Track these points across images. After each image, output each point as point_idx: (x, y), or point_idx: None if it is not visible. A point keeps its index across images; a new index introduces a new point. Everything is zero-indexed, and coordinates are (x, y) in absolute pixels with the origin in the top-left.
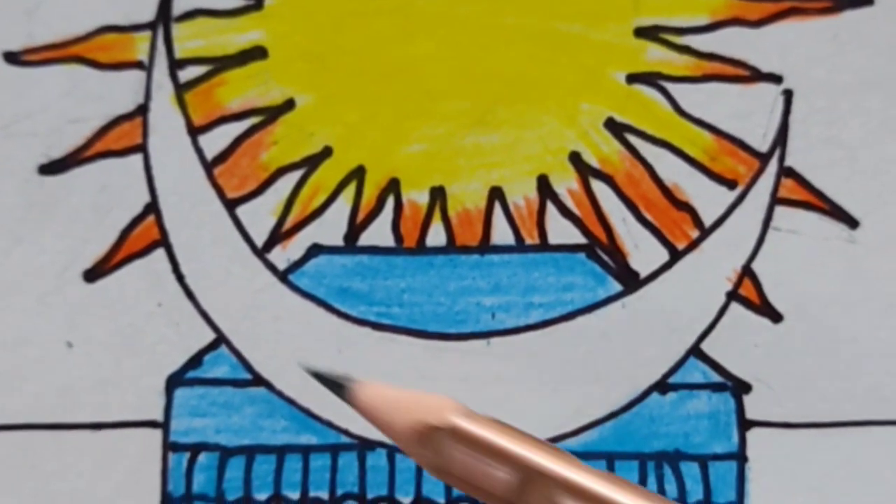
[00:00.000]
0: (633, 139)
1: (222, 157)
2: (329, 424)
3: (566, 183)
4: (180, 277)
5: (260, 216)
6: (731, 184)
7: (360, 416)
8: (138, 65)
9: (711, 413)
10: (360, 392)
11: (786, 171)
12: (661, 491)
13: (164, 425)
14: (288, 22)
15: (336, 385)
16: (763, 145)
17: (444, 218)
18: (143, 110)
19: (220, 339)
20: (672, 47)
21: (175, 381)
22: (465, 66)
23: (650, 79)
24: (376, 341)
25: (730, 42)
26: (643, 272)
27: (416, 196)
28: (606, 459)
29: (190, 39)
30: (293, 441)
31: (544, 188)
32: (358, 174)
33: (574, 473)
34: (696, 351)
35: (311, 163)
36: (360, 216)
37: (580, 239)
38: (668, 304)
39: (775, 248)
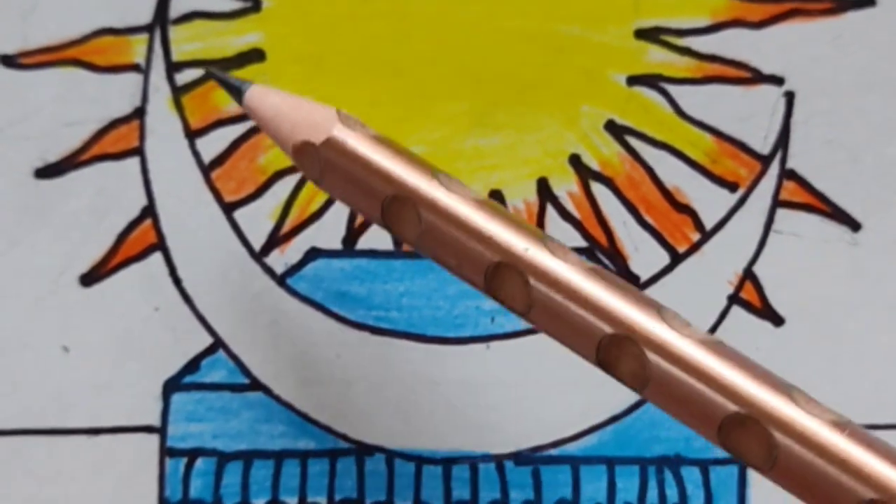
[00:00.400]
0: (633, 141)
1: (220, 160)
2: (327, 429)
3: (566, 185)
4: (177, 281)
5: (258, 220)
6: (732, 186)
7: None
8: (135, 67)
9: None
10: (253, 98)
11: (787, 174)
12: (662, 496)
13: (161, 430)
14: (286, 24)
15: (233, 88)
16: (764, 147)
17: None
18: (140, 113)
19: (218, 344)
20: (673, 49)
21: (172, 386)
22: (464, 68)
23: (651, 81)
24: (375, 345)
25: (731, 43)
26: (644, 275)
27: None
28: (607, 464)
29: (187, 42)
30: (291, 446)
31: (544, 191)
32: None
33: (438, 193)
34: None
35: None
36: (359, 219)
37: (580, 242)
38: (668, 307)
39: (777, 251)
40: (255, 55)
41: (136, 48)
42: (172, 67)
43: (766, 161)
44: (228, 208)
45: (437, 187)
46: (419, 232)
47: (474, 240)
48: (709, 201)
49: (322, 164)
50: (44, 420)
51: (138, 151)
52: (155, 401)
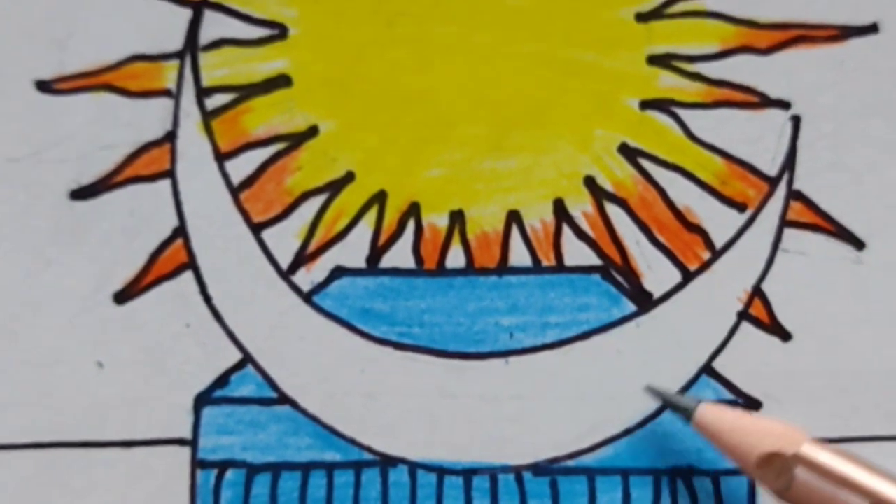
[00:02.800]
0: (646, 164)
1: (248, 182)
2: (352, 442)
3: (581, 206)
4: (208, 299)
5: (285, 239)
6: (741, 207)
7: (705, 439)
8: (166, 93)
9: None
10: (703, 415)
11: (794, 195)
12: None
13: (193, 443)
14: (311, 51)
15: (681, 408)
16: (772, 169)
17: (464, 240)
18: (171, 137)
19: (247, 359)
20: (684, 74)
21: (203, 400)
22: (482, 93)
23: (662, 105)
24: (398, 361)
25: (739, 69)
26: (656, 293)
27: (436, 219)
28: (621, 475)
29: (217, 68)
30: (317, 458)
31: (560, 211)
32: (379, 198)
33: None
34: (707, 369)
35: (335, 187)
36: (382, 239)
37: (595, 260)
38: (680, 323)
39: (784, 269)
40: (281, 81)
41: (168, 74)
42: (202, 92)
43: (773, 182)
44: (256, 228)
45: None
46: None
47: None
48: (719, 221)
49: (790, 475)
50: (79, 433)
51: (170, 174)
52: (186, 414)
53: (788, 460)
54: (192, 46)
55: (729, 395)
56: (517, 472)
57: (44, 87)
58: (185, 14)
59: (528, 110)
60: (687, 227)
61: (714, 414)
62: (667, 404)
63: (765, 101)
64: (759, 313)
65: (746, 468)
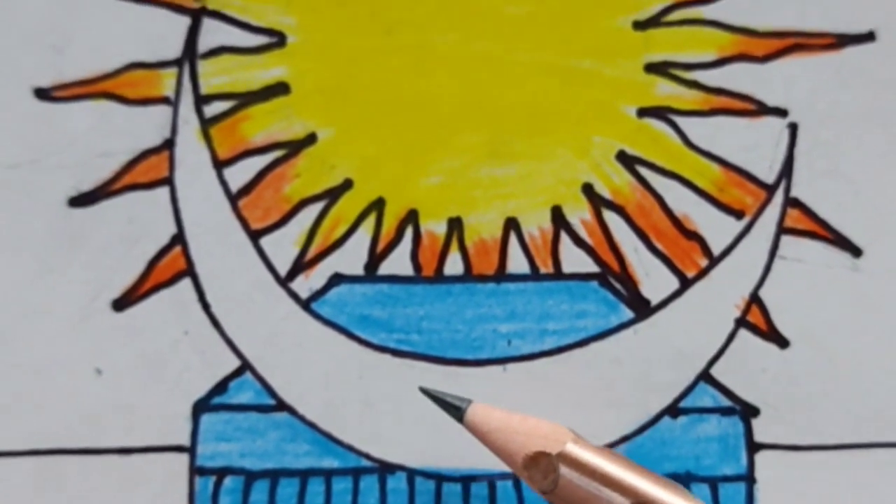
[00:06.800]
0: (643, 171)
1: (246, 189)
2: (350, 448)
3: (579, 213)
4: (206, 306)
5: (283, 247)
6: (738, 214)
7: (474, 438)
8: (165, 100)
9: (721, 436)
10: (473, 415)
11: (791, 202)
12: None
13: (191, 450)
14: (310, 59)
15: (451, 407)
16: (769, 177)
17: (462, 247)
18: (169, 144)
19: (245, 366)
20: (681, 82)
21: (201, 407)
22: (480, 100)
23: (660, 113)
24: (396, 367)
25: (736, 77)
26: (654, 300)
27: (434, 226)
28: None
29: (215, 76)
30: (316, 465)
31: (558, 218)
32: (378, 205)
33: (678, 501)
34: (705, 376)
35: (333, 195)
36: (380, 246)
37: (593, 267)
38: (678, 330)
39: (782, 276)
40: (280, 88)
41: (166, 82)
42: (201, 100)
43: (770, 190)
44: (255, 236)
45: (679, 496)
46: None
47: None
48: (716, 228)
49: (556, 474)
50: (77, 440)
51: (168, 181)
52: (185, 421)
53: (553, 459)
54: (190, 54)
55: (727, 402)
56: (516, 478)
57: (42, 94)
58: (184, 22)
59: (526, 118)
60: (684, 235)
61: (483, 414)
62: (438, 404)
63: (762, 109)
64: (757, 320)
65: (514, 468)
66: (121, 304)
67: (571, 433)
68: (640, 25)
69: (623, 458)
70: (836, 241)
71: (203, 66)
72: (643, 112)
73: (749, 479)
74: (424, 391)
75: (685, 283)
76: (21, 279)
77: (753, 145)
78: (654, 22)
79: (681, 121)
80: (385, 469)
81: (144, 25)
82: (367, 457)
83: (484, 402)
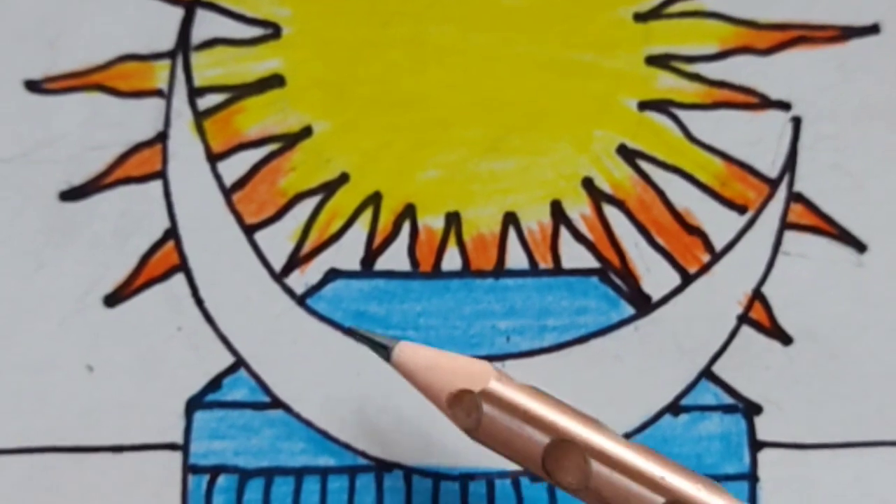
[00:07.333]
0: (644, 165)
1: (241, 183)
2: (347, 446)
3: (579, 208)
4: (199, 302)
5: (278, 241)
6: (741, 209)
7: (400, 376)
8: (158, 93)
9: (723, 434)
10: (400, 353)
11: (794, 197)
12: None
13: (184, 448)
14: (305, 51)
15: (378, 346)
16: (772, 171)
17: (459, 243)
18: (162, 137)
19: (239, 363)
20: (682, 75)
21: (195, 404)
22: (479, 93)
23: (661, 106)
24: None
25: (739, 70)
26: (655, 296)
27: (432, 221)
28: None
29: (209, 68)
30: (311, 463)
31: (558, 213)
32: (374, 200)
33: (600, 438)
34: (707, 373)
35: (329, 189)
36: (377, 241)
37: (593, 263)
38: (679, 327)
39: (785, 272)
40: (275, 81)
41: (159, 74)
42: (194, 92)
43: (773, 184)
44: (249, 230)
45: (602, 433)
46: (582, 476)
47: (644, 484)
48: (718, 223)
49: (479, 412)
50: (69, 438)
51: (161, 175)
52: (178, 419)
53: (476, 397)
54: (184, 46)
55: (729, 400)
56: (514, 477)
57: (34, 86)
58: (177, 13)
59: (525, 111)
60: (686, 230)
61: (410, 353)
62: (366, 344)
63: (765, 103)
64: (760, 316)
65: (440, 406)
66: (113, 299)
67: (496, 371)
68: (641, 17)
69: (547, 395)
70: (839, 237)
71: (197, 58)
72: (644, 105)
73: (752, 477)
74: (352, 331)
75: (687, 279)
76: (11, 274)
77: (756, 139)
78: (655, 14)
79: (682, 114)
80: (382, 467)
81: (137, 17)
82: (364, 455)
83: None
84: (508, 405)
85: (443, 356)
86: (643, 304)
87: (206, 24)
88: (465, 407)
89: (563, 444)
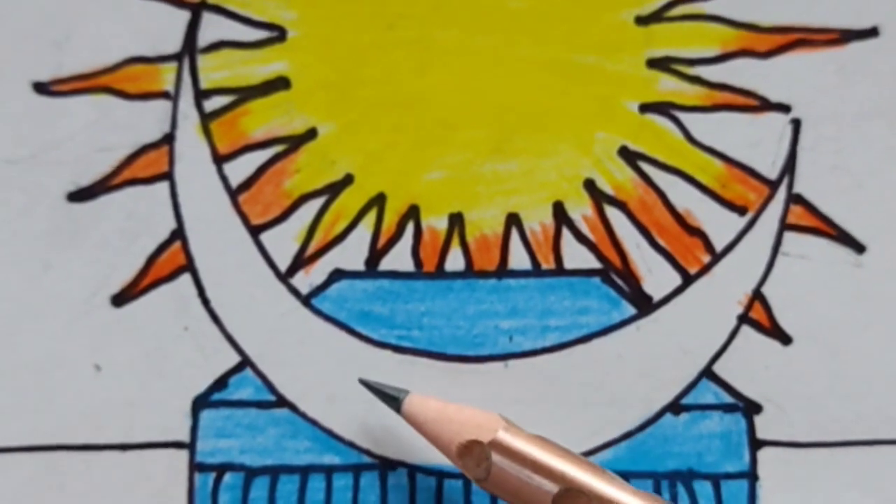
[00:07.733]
0: (646, 167)
1: (247, 184)
2: (351, 445)
3: (581, 209)
4: (206, 302)
5: (283, 242)
6: (741, 210)
7: (411, 427)
8: (165, 95)
9: (723, 433)
10: (409, 405)
11: (794, 198)
12: None
13: (191, 446)
14: (310, 53)
15: (389, 398)
16: (772, 173)
17: (463, 243)
18: (169, 139)
19: (245, 362)
20: (683, 78)
21: (201, 403)
22: (482, 96)
23: (662, 108)
24: (397, 364)
25: (739, 73)
26: (656, 296)
27: (436, 222)
28: (622, 478)
29: (215, 70)
30: (316, 461)
31: (560, 214)
32: (378, 201)
33: (609, 487)
34: (708, 373)
35: (333, 190)
36: (381, 242)
37: (595, 264)
38: (680, 327)
39: (785, 273)
40: (280, 83)
41: (166, 76)
42: (201, 95)
43: (773, 186)
44: (255, 231)
45: (610, 482)
46: None
47: None
48: (719, 224)
49: (489, 462)
50: (77, 436)
51: (168, 176)
52: (184, 417)
53: (486, 447)
54: (190, 48)
55: (729, 399)
56: None
57: (41, 88)
58: (184, 16)
59: (528, 113)
60: (687, 231)
61: (419, 404)
62: (376, 395)
63: (765, 105)
64: (760, 317)
65: (450, 457)
66: (120, 299)
67: (503, 421)
68: (642, 20)
69: (555, 444)
70: (839, 238)
71: (203, 61)
72: (645, 108)
73: (752, 476)
74: (364, 382)
75: (687, 280)
76: (20, 274)
77: (756, 141)
78: (656, 17)
79: (683, 116)
80: (386, 465)
81: (144, 19)
82: (368, 453)
83: (485, 399)
84: (517, 455)
85: (451, 408)
86: (644, 305)
87: (213, 27)
88: (474, 457)
89: (572, 493)
